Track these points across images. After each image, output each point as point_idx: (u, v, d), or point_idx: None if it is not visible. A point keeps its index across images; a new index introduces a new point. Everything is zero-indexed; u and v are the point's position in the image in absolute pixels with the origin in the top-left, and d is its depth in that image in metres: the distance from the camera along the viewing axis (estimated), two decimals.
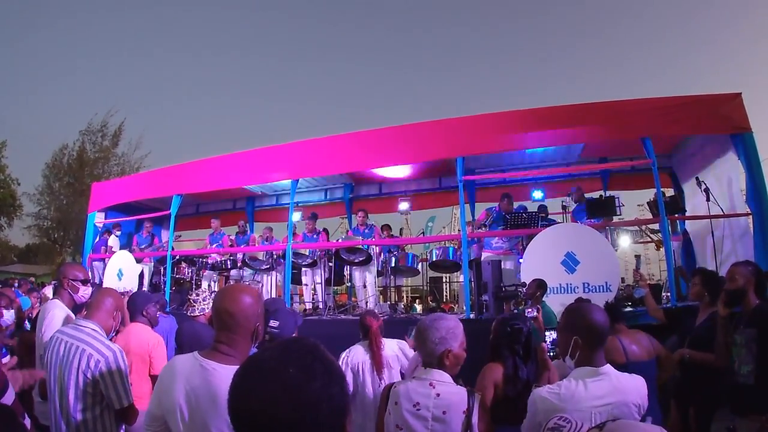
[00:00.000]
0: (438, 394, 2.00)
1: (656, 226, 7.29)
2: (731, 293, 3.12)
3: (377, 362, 3.42)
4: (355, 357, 3.52)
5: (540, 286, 5.02)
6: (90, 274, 9.42)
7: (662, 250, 6.56)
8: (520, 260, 6.61)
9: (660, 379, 3.44)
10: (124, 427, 2.51)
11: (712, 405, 3.57)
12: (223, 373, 1.59)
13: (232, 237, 9.66)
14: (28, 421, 2.43)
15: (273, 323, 2.94)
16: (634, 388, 1.94)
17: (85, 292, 3.24)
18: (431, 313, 8.61)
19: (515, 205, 7.79)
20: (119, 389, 2.34)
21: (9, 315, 4.00)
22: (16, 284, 11.71)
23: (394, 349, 3.57)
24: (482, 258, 7.08)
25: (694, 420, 3.57)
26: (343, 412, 0.88)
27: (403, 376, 3.42)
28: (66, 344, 2.37)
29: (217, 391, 1.57)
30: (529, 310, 3.09)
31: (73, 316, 3.10)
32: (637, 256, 5.41)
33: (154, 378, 3.31)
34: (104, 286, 7.39)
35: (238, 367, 1.62)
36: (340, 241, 8.48)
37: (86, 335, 2.41)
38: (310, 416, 0.82)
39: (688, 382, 3.70)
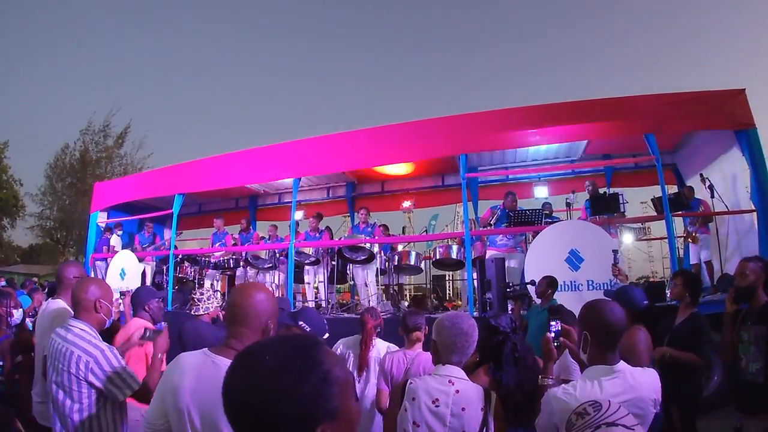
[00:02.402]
0: (457, 391, 2.00)
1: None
2: (741, 290, 3.07)
3: (361, 361, 3.46)
4: (344, 347, 3.60)
5: (550, 284, 4.95)
6: (93, 274, 9.45)
7: (670, 247, 6.51)
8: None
9: None
10: (125, 427, 2.49)
11: (695, 404, 3.54)
12: None
13: (236, 236, 9.68)
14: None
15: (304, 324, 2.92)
16: (649, 382, 1.94)
17: None
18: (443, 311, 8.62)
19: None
20: (117, 383, 2.31)
21: (18, 314, 4.02)
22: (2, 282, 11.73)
23: (382, 352, 3.54)
24: (487, 256, 7.05)
25: (679, 420, 3.52)
26: (310, 417, 0.80)
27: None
28: (59, 347, 2.34)
29: None
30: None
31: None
32: (615, 251, 5.33)
33: None
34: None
35: None
36: (342, 239, 8.46)
37: (74, 336, 2.36)
38: (267, 409, 0.78)
39: (668, 382, 3.66)
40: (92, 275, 9.39)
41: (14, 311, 3.88)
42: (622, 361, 1.95)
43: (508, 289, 5.87)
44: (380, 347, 3.58)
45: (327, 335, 2.98)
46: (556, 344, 2.29)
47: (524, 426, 2.60)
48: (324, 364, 0.84)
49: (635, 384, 1.88)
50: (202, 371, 1.61)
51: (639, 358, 2.97)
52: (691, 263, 7.31)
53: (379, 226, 8.74)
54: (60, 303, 3.14)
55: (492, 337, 2.71)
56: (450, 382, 2.03)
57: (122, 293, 4.49)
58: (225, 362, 1.59)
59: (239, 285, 2.02)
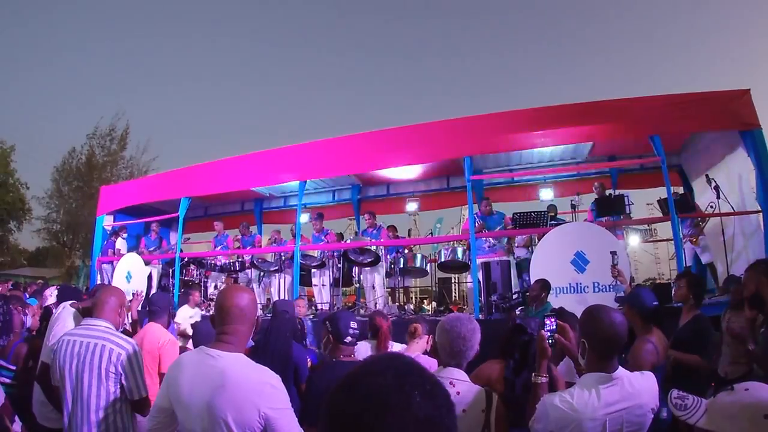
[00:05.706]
0: (458, 393, 2.01)
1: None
2: (751, 300, 3.02)
3: None
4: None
5: (544, 287, 4.97)
6: (99, 277, 9.52)
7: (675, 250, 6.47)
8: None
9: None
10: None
11: None
12: (227, 357, 1.76)
13: (238, 237, 9.73)
14: (18, 425, 2.44)
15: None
16: (647, 389, 1.92)
17: None
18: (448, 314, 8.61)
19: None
20: (139, 380, 2.41)
21: (29, 320, 4.07)
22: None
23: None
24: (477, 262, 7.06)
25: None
26: None
27: None
28: (81, 344, 2.39)
29: (223, 373, 1.71)
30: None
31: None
32: (613, 252, 5.24)
33: (161, 376, 3.34)
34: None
35: (239, 353, 1.77)
36: (348, 242, 8.46)
37: (102, 332, 2.44)
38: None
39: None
40: (98, 278, 9.49)
41: (27, 317, 3.93)
42: (620, 367, 1.94)
43: (504, 302, 5.74)
44: (397, 348, 3.61)
45: (350, 338, 2.94)
46: (550, 342, 2.28)
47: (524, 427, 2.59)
48: (443, 384, 0.84)
49: (634, 392, 1.87)
50: (199, 363, 1.79)
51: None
52: (686, 264, 7.25)
53: (388, 227, 8.76)
54: (69, 308, 3.18)
55: (518, 337, 2.63)
56: (451, 384, 2.04)
57: (134, 294, 4.55)
58: (217, 352, 1.79)
59: (225, 289, 2.21)
